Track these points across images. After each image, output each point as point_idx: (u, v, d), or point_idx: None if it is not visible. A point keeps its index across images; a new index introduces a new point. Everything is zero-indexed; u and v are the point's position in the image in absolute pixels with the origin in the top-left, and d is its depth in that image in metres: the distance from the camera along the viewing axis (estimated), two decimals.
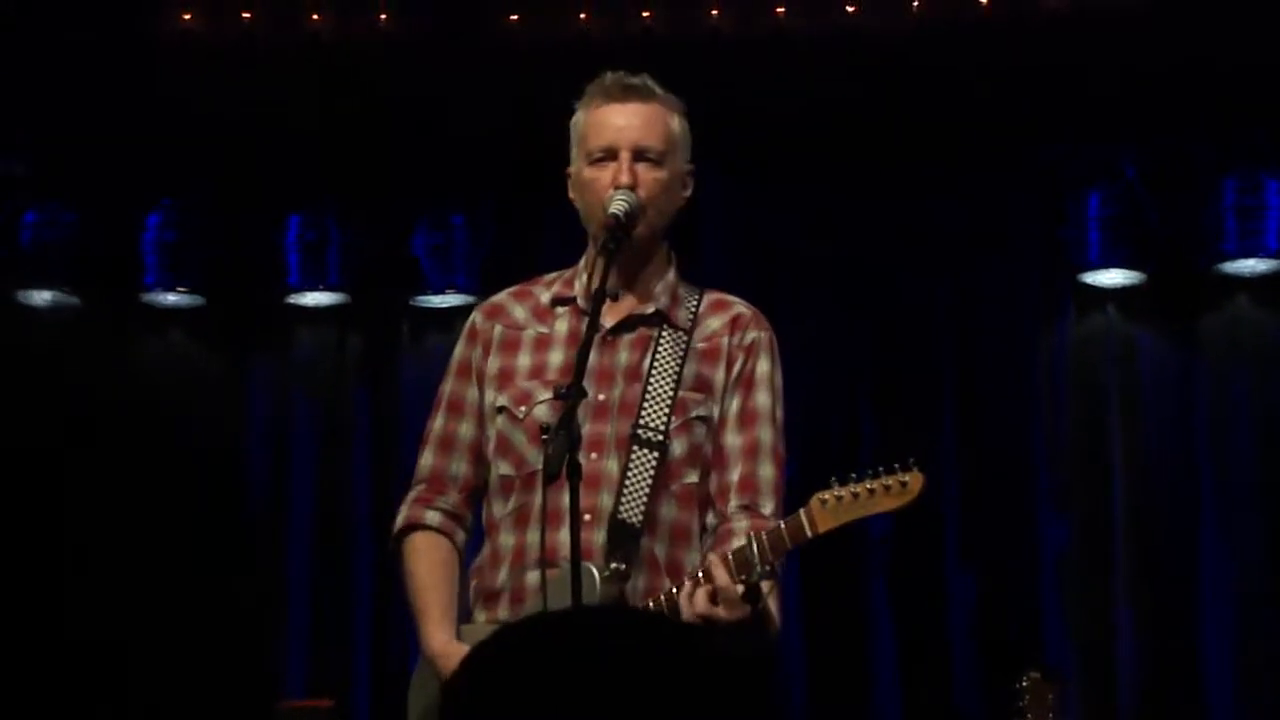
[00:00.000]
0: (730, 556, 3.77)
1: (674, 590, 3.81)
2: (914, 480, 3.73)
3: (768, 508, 3.95)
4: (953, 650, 6.93)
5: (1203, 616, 6.86)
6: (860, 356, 7.06)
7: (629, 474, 3.93)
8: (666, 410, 3.97)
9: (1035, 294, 7.07)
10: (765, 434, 4.04)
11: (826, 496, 3.76)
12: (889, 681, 6.96)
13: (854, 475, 3.74)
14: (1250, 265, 6.91)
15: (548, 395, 3.98)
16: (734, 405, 4.05)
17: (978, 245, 7.06)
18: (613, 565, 3.86)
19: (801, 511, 3.78)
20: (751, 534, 3.80)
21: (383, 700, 6.90)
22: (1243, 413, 6.94)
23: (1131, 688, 6.88)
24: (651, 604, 3.83)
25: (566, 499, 3.52)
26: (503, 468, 4.04)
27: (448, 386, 4.18)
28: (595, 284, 3.83)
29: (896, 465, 3.73)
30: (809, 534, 3.76)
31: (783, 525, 3.78)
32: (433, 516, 4.10)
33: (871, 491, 3.74)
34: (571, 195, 4.13)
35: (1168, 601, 6.89)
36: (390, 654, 6.86)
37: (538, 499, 3.80)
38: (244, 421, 7.27)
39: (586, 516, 3.83)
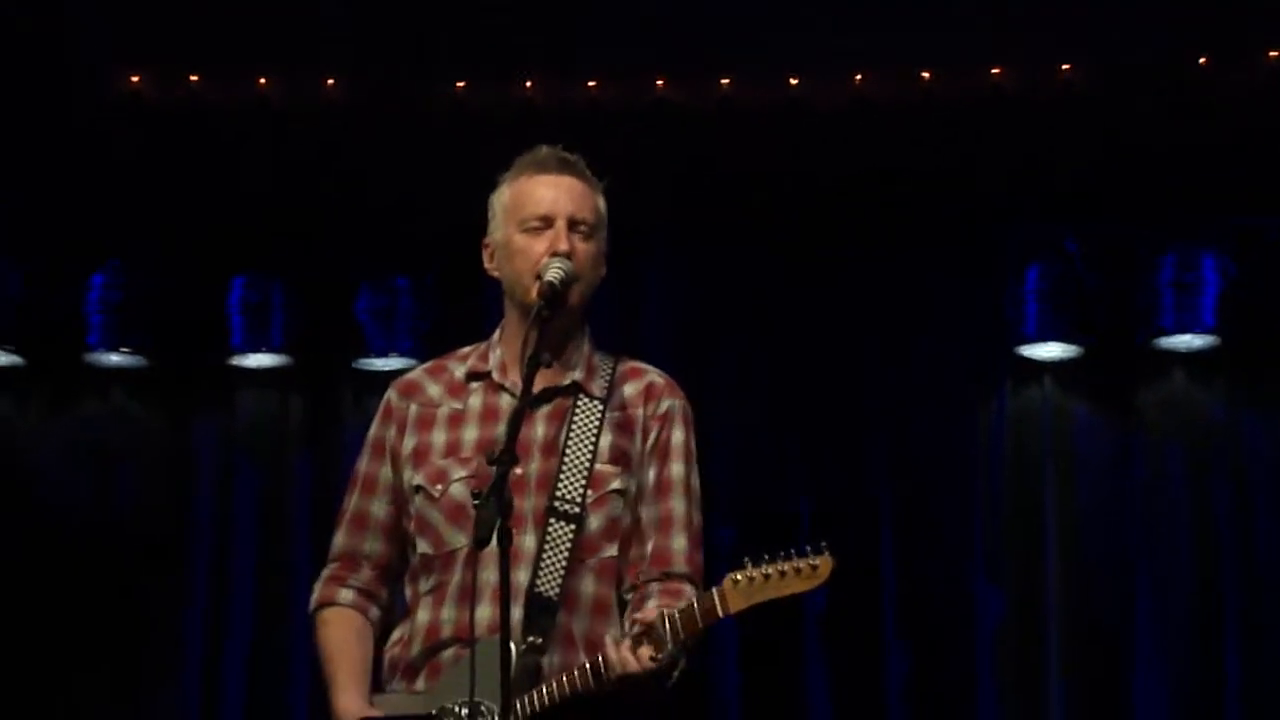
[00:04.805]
0: (643, 635, 3.78)
1: (586, 668, 3.81)
2: (823, 564, 3.75)
3: (679, 579, 3.97)
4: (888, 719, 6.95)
5: (1135, 690, 6.88)
6: (796, 426, 7.07)
7: (545, 548, 3.93)
8: (583, 483, 3.98)
9: (972, 365, 7.11)
10: (679, 505, 4.06)
11: (739, 577, 3.76)
12: None
13: (766, 556, 3.76)
14: (1187, 340, 6.97)
15: (463, 473, 3.99)
16: (650, 476, 4.07)
17: (915, 315, 7.09)
18: (529, 639, 3.86)
19: (714, 590, 3.78)
20: (664, 612, 3.79)
21: None
22: (1177, 486, 6.98)
23: None
24: (566, 679, 3.83)
25: (484, 575, 3.55)
26: (422, 546, 4.04)
27: (362, 465, 4.18)
28: (529, 351, 3.83)
29: (808, 548, 3.76)
30: (720, 614, 3.77)
31: (695, 604, 3.78)
32: (345, 595, 4.12)
33: (783, 574, 3.75)
34: (489, 266, 4.15)
35: (1101, 674, 6.91)
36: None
37: (455, 576, 3.85)
38: (186, 481, 7.25)
39: None
